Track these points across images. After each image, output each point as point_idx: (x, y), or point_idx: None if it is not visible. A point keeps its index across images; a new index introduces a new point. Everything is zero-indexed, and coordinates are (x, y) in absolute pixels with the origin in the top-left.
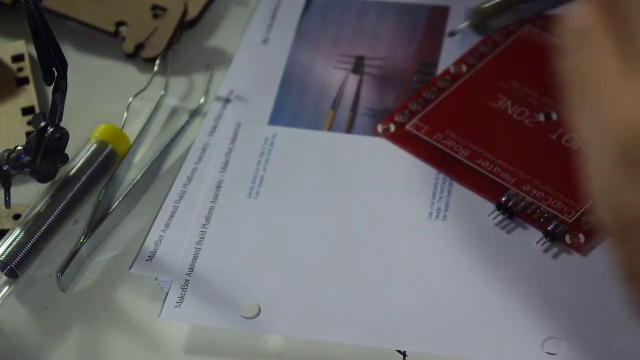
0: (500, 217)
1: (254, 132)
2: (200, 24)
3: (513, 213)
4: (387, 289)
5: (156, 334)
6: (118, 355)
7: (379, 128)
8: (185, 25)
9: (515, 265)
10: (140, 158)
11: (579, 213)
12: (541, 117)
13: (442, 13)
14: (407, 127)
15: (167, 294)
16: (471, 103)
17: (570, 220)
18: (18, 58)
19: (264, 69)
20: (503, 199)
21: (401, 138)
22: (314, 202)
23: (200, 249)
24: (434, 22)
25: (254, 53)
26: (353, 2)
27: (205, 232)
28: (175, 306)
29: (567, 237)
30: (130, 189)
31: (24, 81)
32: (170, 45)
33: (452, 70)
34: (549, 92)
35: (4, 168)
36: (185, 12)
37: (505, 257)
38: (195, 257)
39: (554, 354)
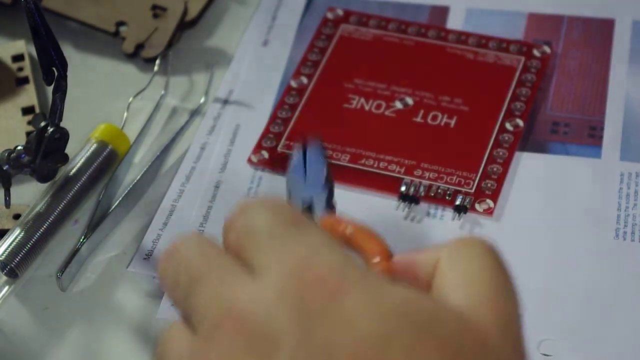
0: (407, 207)
1: (253, 133)
2: (200, 24)
3: (418, 199)
4: None
5: (155, 333)
6: (117, 355)
7: (253, 158)
8: (185, 25)
9: None
10: (140, 158)
11: (477, 181)
12: (398, 105)
13: (442, 13)
14: (279, 149)
15: (164, 292)
16: (327, 110)
17: (473, 190)
18: (18, 58)
19: (264, 70)
20: (402, 189)
21: (278, 162)
22: None
23: None
24: (434, 22)
25: (254, 54)
26: (354, 2)
27: (203, 231)
28: (172, 305)
29: (478, 206)
30: (130, 189)
31: (24, 81)
32: (170, 45)
33: (293, 84)
34: (393, 81)
35: (4, 168)
36: (185, 12)
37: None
38: None
39: (549, 355)
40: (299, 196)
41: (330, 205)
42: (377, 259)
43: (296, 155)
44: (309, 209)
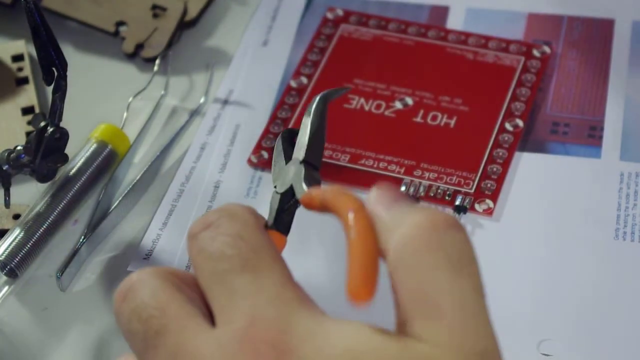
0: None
1: (253, 133)
2: (200, 24)
3: (418, 200)
4: None
5: None
6: (117, 355)
7: (253, 159)
8: (185, 25)
9: None
10: (140, 158)
11: (477, 181)
12: (398, 105)
13: (442, 13)
14: None
15: None
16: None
17: (473, 191)
18: (18, 58)
19: (264, 70)
20: (402, 190)
21: None
22: None
23: None
24: (434, 22)
25: (253, 54)
26: (354, 2)
27: None
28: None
29: (477, 206)
30: (130, 189)
31: (24, 81)
32: (170, 45)
33: (293, 84)
34: (393, 81)
35: (4, 168)
36: (185, 12)
37: None
38: None
39: (549, 355)
40: (279, 183)
41: (309, 182)
42: (351, 214)
43: (277, 141)
44: (289, 193)
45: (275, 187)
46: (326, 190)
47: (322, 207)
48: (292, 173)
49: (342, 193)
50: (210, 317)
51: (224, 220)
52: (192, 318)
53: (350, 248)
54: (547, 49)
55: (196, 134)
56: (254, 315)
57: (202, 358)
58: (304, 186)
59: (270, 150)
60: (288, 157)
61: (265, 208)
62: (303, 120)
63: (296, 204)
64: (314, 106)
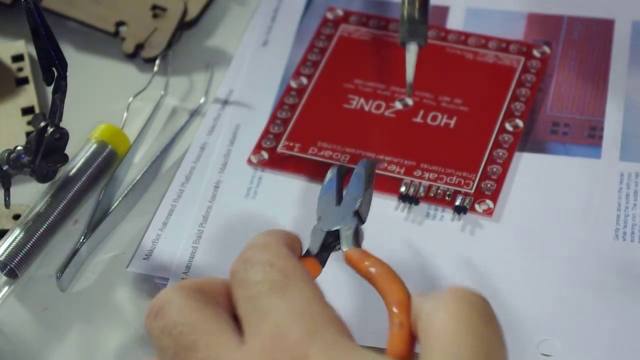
0: (407, 207)
1: (253, 134)
2: (200, 24)
3: (417, 200)
4: None
5: None
6: (117, 355)
7: (253, 159)
8: (185, 25)
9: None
10: (140, 158)
11: (477, 182)
12: (398, 105)
13: (442, 13)
14: (279, 150)
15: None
16: (327, 111)
17: (473, 191)
18: (18, 58)
19: (264, 70)
20: (402, 190)
21: (278, 162)
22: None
23: (197, 247)
24: (434, 22)
25: (253, 54)
26: (354, 2)
27: (203, 230)
28: None
29: (477, 207)
30: (130, 189)
31: (24, 81)
32: (170, 45)
33: (293, 85)
34: (393, 81)
35: (4, 168)
36: (185, 12)
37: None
38: (192, 256)
39: (549, 356)
40: (327, 220)
41: (357, 238)
42: (395, 310)
43: (330, 174)
44: (334, 234)
45: (319, 218)
46: (376, 265)
47: (365, 277)
48: (341, 217)
49: (392, 280)
50: (238, 331)
51: (257, 252)
52: (221, 334)
53: (391, 339)
54: (547, 49)
55: (196, 134)
56: (279, 331)
57: None
58: (352, 241)
59: (270, 151)
60: (339, 197)
61: (264, 208)
62: (356, 171)
63: (338, 248)
64: (371, 164)
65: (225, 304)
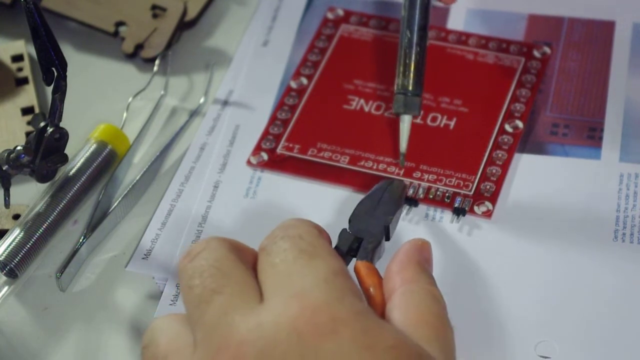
0: (406, 209)
1: (252, 134)
2: (200, 24)
3: (417, 202)
4: None
5: None
6: (117, 355)
7: (252, 160)
8: (185, 25)
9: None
10: (140, 158)
11: (476, 183)
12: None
13: (442, 13)
14: (279, 151)
15: (162, 292)
16: (327, 111)
17: (472, 193)
18: (18, 58)
19: (264, 70)
20: None
21: (277, 163)
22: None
23: None
24: (435, 23)
25: (254, 55)
26: (354, 2)
27: (202, 231)
28: (170, 304)
29: (477, 208)
30: (130, 189)
31: (24, 81)
32: (170, 45)
33: (293, 85)
34: (393, 82)
35: (4, 168)
36: (185, 12)
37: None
38: None
39: (548, 357)
40: (356, 226)
41: (374, 253)
42: (372, 289)
43: (380, 185)
44: (358, 241)
45: (350, 221)
46: (377, 289)
47: (365, 294)
48: (369, 227)
49: (381, 312)
50: (261, 295)
51: (287, 229)
52: (247, 287)
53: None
54: (547, 50)
55: (196, 134)
56: (303, 293)
57: (245, 325)
58: (369, 255)
59: (270, 152)
60: (374, 207)
61: (263, 208)
62: (391, 188)
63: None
64: (403, 186)
65: (252, 269)
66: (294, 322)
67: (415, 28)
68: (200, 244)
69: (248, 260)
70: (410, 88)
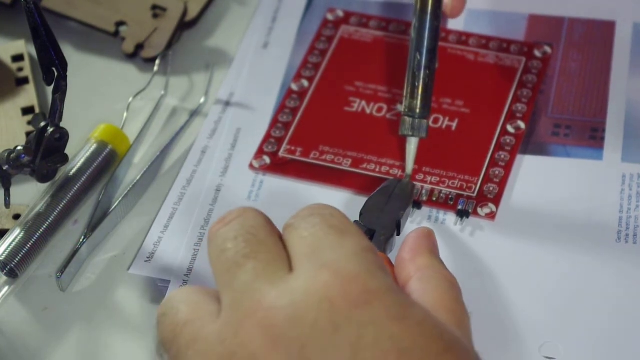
0: (409, 211)
1: (254, 137)
2: (200, 24)
3: (420, 204)
4: None
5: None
6: (117, 355)
7: (255, 164)
8: (185, 25)
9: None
10: (140, 158)
11: (479, 185)
12: (400, 108)
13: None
14: (281, 154)
15: (165, 295)
16: (328, 114)
17: (475, 195)
18: (18, 58)
19: (265, 73)
20: None
21: (280, 167)
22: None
23: (199, 250)
24: None
25: (254, 57)
26: (354, 3)
27: (204, 233)
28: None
29: (480, 210)
30: (130, 189)
31: (24, 81)
32: (170, 45)
33: (294, 88)
34: (395, 83)
35: (4, 168)
36: (185, 12)
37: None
38: (193, 258)
39: (552, 358)
40: (368, 219)
41: (387, 245)
42: None
43: (389, 181)
44: (370, 234)
45: (361, 214)
46: None
47: None
48: (382, 221)
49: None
50: (290, 267)
51: (316, 208)
52: (280, 257)
53: None
54: (548, 49)
55: (197, 137)
56: (333, 266)
57: (275, 292)
58: (382, 247)
59: (272, 155)
60: (384, 202)
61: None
62: (401, 186)
63: None
64: (412, 186)
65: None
66: (326, 290)
67: (425, 51)
68: (237, 211)
69: (279, 235)
70: (418, 111)
